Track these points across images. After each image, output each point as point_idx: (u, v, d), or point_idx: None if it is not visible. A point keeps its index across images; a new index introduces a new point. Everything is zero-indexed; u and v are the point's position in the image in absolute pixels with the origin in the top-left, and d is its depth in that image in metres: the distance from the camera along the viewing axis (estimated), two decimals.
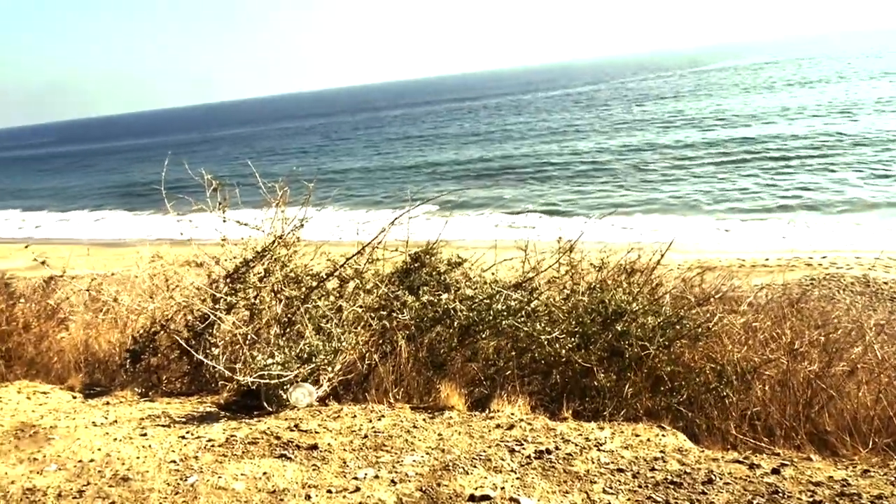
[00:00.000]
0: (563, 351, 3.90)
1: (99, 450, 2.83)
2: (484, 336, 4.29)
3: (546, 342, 3.94)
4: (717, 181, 24.78)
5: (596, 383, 3.88)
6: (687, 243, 16.46)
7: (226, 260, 4.70)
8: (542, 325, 4.01)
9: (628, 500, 2.26)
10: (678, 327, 4.04)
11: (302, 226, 4.85)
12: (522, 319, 4.11)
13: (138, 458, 2.74)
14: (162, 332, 4.69)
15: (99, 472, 2.63)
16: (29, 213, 37.53)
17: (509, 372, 3.99)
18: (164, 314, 4.72)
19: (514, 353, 4.15)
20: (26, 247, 5.88)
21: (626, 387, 3.81)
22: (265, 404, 3.64)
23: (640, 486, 2.35)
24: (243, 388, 4.02)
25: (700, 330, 4.05)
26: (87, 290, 6.14)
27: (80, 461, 2.73)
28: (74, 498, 2.45)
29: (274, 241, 4.74)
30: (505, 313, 4.18)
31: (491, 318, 4.16)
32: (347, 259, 4.51)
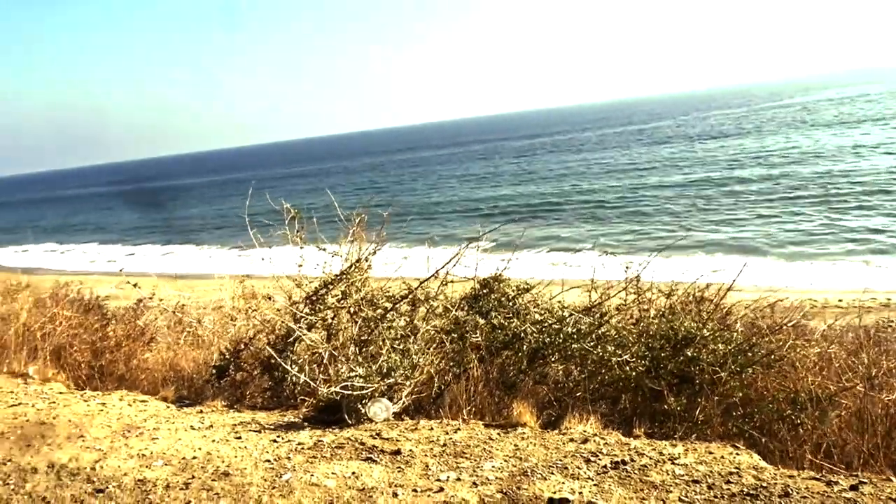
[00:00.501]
0: (634, 374, 3.96)
1: (199, 449, 3.06)
2: (553, 359, 4.39)
3: (616, 364, 4.02)
4: (784, 220, 24.14)
5: (666, 406, 3.91)
6: (754, 282, 16.07)
7: (307, 283, 4.97)
8: (612, 348, 4.08)
9: None
10: (750, 354, 4.05)
11: (376, 252, 5.09)
12: (592, 343, 4.20)
13: (236, 457, 2.95)
14: (245, 350, 4.97)
15: (202, 467, 2.85)
16: (104, 247, 39.47)
17: (579, 394, 4.07)
18: (248, 333, 5.01)
19: (583, 377, 4.23)
20: (120, 270, 6.31)
21: (697, 412, 3.83)
22: (345, 417, 3.82)
23: (715, 497, 2.41)
24: (321, 404, 4.23)
25: (773, 357, 4.04)
26: (173, 312, 6.53)
27: (183, 458, 2.96)
28: (181, 489, 2.67)
29: (351, 266, 4.98)
30: (574, 336, 4.28)
31: (560, 341, 4.26)
32: (422, 282, 4.71)
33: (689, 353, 4.10)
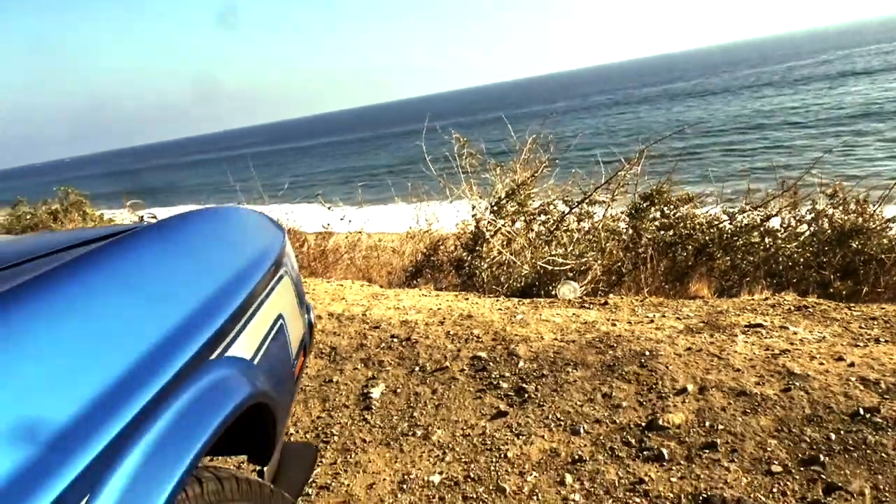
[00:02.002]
0: (801, 260, 4.37)
1: (439, 304, 3.86)
2: (718, 255, 4.86)
3: (781, 253, 4.44)
4: None
5: (832, 290, 4.30)
6: None
7: (491, 196, 5.68)
8: (770, 240, 4.50)
9: (883, 331, 2.79)
10: None
11: (547, 165, 5.70)
12: (757, 237, 4.63)
13: (472, 307, 3.72)
14: (437, 253, 5.79)
15: (447, 314, 3.64)
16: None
17: (747, 279, 4.53)
18: (442, 238, 5.82)
19: (750, 268, 4.68)
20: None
21: (864, 292, 4.20)
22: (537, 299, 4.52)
23: (891, 327, 2.86)
24: (512, 289, 4.95)
25: None
26: (361, 233, 7.50)
27: (430, 309, 3.77)
28: (438, 325, 3.46)
29: (524, 181, 5.64)
30: (738, 233, 4.72)
31: (726, 236, 4.72)
32: (595, 189, 5.28)
33: (854, 245, 4.44)
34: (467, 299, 3.99)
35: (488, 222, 5.37)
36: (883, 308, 3.25)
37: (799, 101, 40.85)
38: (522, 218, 5.50)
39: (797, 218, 4.65)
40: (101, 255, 1.13)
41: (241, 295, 1.36)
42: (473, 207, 5.72)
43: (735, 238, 4.65)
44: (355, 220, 7.49)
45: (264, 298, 1.50)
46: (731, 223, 4.68)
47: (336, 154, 67.54)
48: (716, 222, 4.82)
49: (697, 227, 4.83)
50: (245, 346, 1.32)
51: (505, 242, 5.45)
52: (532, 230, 5.47)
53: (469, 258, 5.34)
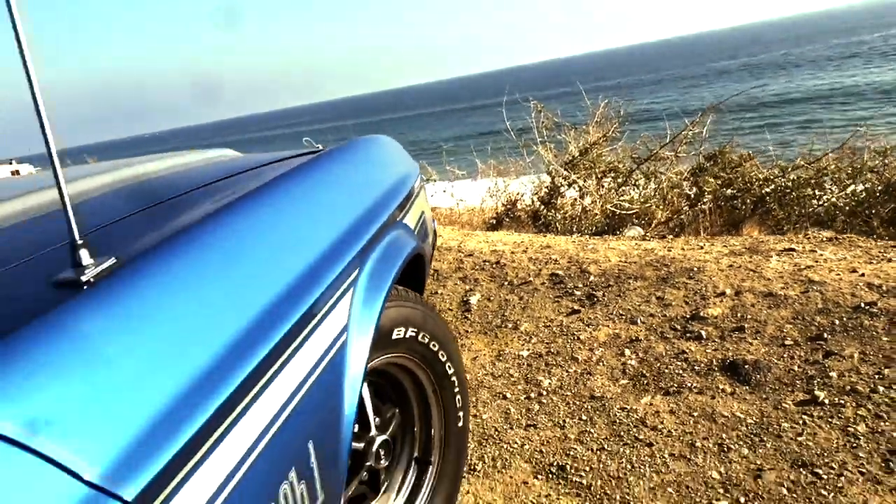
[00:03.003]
0: (847, 209, 4.85)
1: (522, 240, 4.58)
2: (774, 206, 5.37)
3: (830, 204, 4.92)
4: None
5: (875, 236, 4.76)
6: None
7: (565, 154, 6.32)
8: (819, 192, 4.98)
9: None
10: None
11: (618, 127, 6.29)
12: (810, 190, 5.12)
13: (550, 241, 4.42)
14: (516, 206, 6.49)
15: (529, 245, 4.35)
16: None
17: (798, 224, 5.04)
18: (520, 195, 6.52)
19: (802, 219, 5.18)
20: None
21: None
22: None
23: None
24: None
25: None
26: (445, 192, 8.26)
27: (514, 241, 4.49)
28: (522, 252, 4.18)
29: (596, 141, 6.24)
30: (791, 185, 5.22)
31: (783, 188, 5.23)
32: (662, 145, 5.85)
33: None
34: (545, 236, 4.69)
35: (563, 177, 6.02)
36: None
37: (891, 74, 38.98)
38: (594, 175, 6.12)
39: (847, 173, 5.10)
40: (319, 162, 1.89)
41: (406, 188, 2.13)
42: (549, 164, 6.38)
43: (789, 191, 5.15)
44: (436, 187, 8.23)
45: (416, 196, 2.26)
46: (784, 178, 5.18)
47: (412, 127, 68.52)
48: (772, 177, 5.32)
49: (755, 181, 5.34)
50: (409, 219, 2.09)
51: (578, 196, 6.10)
52: (602, 186, 6.09)
53: (545, 210, 6.02)
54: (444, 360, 1.98)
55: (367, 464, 1.80)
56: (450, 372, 2.02)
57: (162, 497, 0.77)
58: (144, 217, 1.38)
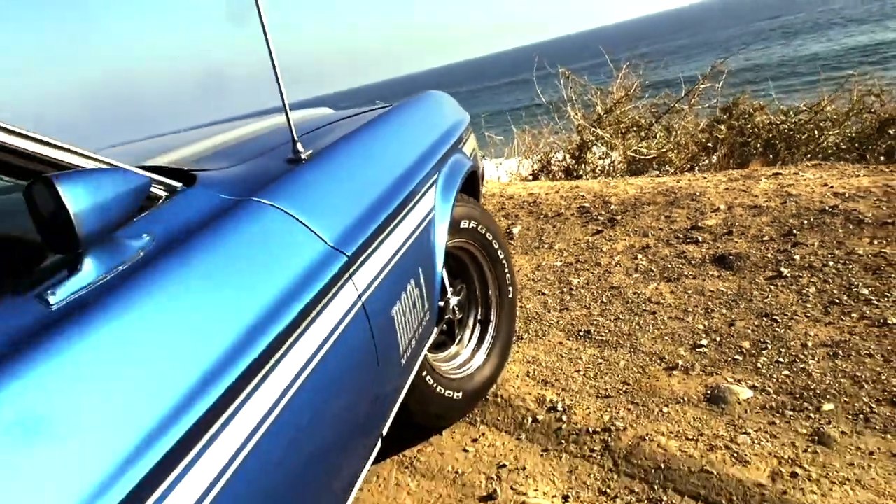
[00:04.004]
0: (843, 146, 5.47)
1: (554, 184, 5.34)
2: (782, 148, 6.00)
3: (827, 141, 5.54)
4: None
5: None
6: None
7: (593, 114, 7.02)
8: (827, 130, 5.60)
9: (868, 173, 3.99)
10: None
11: (639, 86, 6.95)
12: (809, 131, 5.74)
13: (579, 183, 5.17)
14: (550, 163, 7.23)
15: (561, 187, 5.11)
16: None
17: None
18: (553, 153, 7.25)
19: (806, 155, 5.80)
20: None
21: None
22: None
23: None
24: None
25: None
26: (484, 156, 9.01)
27: (548, 186, 5.26)
28: (555, 193, 4.94)
29: (620, 99, 6.92)
30: (794, 129, 5.84)
31: (787, 130, 5.86)
32: (678, 99, 6.51)
33: (891, 132, 5.47)
34: (575, 181, 5.44)
35: (590, 133, 6.73)
36: (882, 167, 4.40)
37: None
38: (619, 130, 6.81)
39: (844, 112, 5.70)
40: (404, 107, 2.68)
41: (462, 127, 2.92)
42: (578, 123, 7.09)
43: (793, 133, 5.77)
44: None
45: (468, 135, 3.06)
46: (786, 122, 5.80)
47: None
48: (777, 122, 5.95)
49: (762, 126, 5.97)
50: (466, 149, 2.89)
51: (606, 150, 6.81)
52: (626, 140, 6.78)
53: (575, 164, 6.75)
54: (496, 247, 2.79)
55: (447, 317, 2.63)
56: (500, 256, 2.82)
57: (365, 254, 1.62)
58: (310, 136, 2.20)
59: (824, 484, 1.93)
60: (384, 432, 1.79)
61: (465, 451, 2.49)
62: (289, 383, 1.23)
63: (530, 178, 7.32)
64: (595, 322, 3.13)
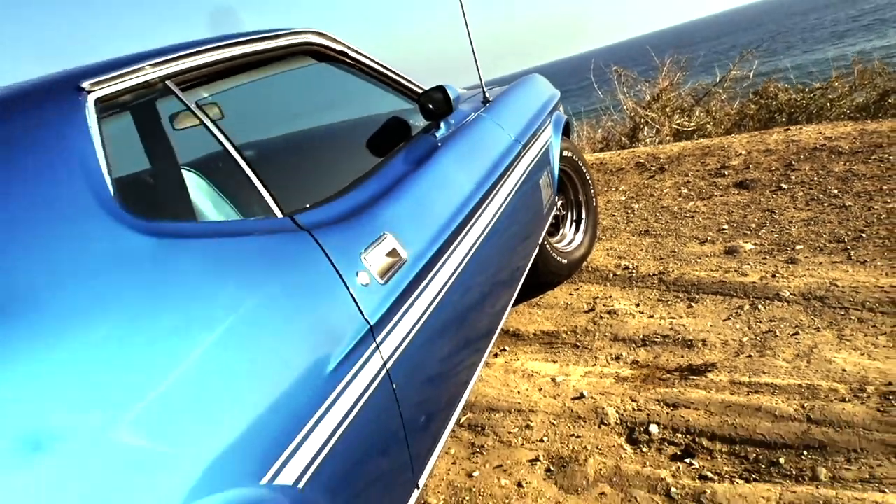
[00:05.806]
0: (848, 111, 6.76)
1: (615, 152, 6.79)
2: (802, 118, 7.31)
3: (836, 112, 6.85)
4: None
5: None
6: None
7: (642, 98, 8.45)
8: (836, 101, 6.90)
9: (854, 126, 5.32)
10: None
11: (684, 70, 8.34)
12: (821, 102, 7.05)
13: (635, 151, 6.62)
14: (609, 144, 8.67)
15: (619, 154, 6.57)
16: None
17: None
18: (612, 133, 8.70)
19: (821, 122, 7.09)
20: None
21: None
22: None
23: None
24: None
25: None
26: None
27: (610, 154, 6.72)
28: (617, 156, 6.41)
29: (666, 86, 8.33)
30: (806, 102, 7.16)
31: (803, 104, 7.18)
32: (713, 84, 7.89)
33: (891, 100, 6.74)
34: (631, 150, 6.89)
35: (641, 116, 8.16)
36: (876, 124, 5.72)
37: None
38: (665, 113, 8.22)
39: (849, 85, 6.98)
40: (521, 82, 4.23)
41: (557, 97, 4.46)
42: (630, 107, 8.52)
43: (809, 105, 7.08)
44: None
45: (560, 103, 4.59)
46: (804, 97, 7.12)
47: None
48: (797, 100, 7.27)
49: (785, 102, 7.31)
50: (560, 111, 4.42)
51: (656, 130, 8.22)
52: (672, 121, 8.19)
53: (630, 143, 8.18)
54: (584, 171, 4.29)
55: (554, 213, 4.14)
56: (587, 178, 4.32)
57: (526, 148, 3.18)
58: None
59: (792, 278, 3.35)
60: (524, 274, 3.29)
61: (570, 294, 3.98)
62: (496, 211, 2.77)
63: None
64: (651, 226, 4.59)
